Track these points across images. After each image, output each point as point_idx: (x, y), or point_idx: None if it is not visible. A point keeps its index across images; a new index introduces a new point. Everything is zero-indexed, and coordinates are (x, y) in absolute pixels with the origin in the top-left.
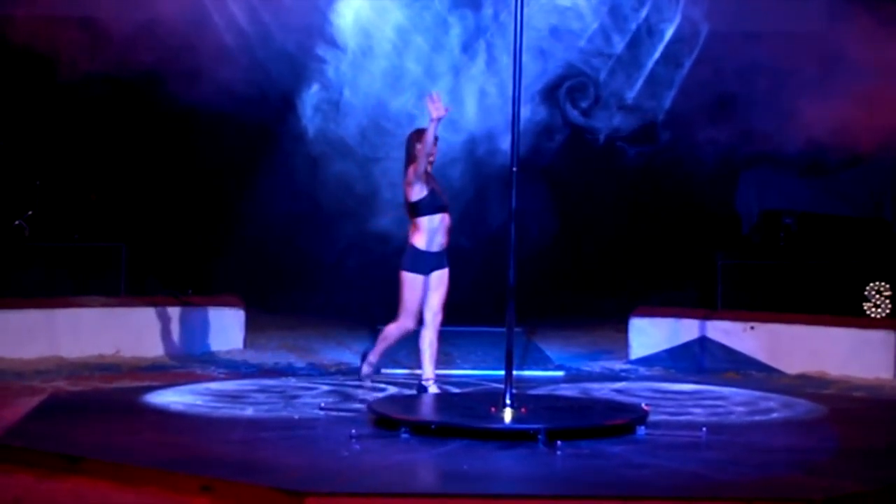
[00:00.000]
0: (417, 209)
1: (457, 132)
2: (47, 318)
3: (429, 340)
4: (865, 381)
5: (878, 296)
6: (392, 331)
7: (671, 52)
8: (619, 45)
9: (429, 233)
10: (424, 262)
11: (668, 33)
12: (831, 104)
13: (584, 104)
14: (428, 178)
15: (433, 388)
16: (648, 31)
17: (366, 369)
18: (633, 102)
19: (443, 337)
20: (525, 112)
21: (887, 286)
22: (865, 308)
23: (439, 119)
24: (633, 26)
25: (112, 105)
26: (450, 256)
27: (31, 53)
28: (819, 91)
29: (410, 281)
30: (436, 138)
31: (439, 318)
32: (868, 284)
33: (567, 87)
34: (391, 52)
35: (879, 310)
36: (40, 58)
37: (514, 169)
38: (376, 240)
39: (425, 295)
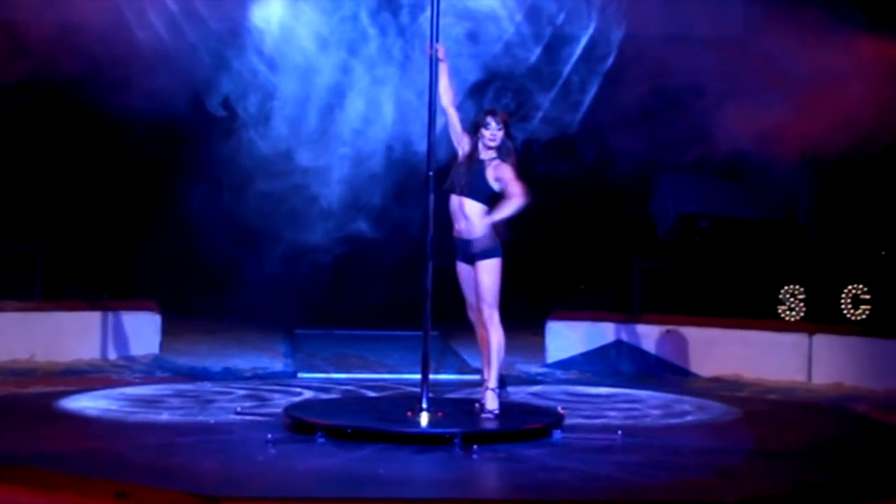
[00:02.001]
0: None
1: (375, 136)
2: None
3: (481, 339)
4: (779, 384)
5: (792, 299)
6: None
7: (588, 57)
8: (535, 51)
9: (451, 214)
10: (454, 248)
11: (584, 40)
12: (750, 110)
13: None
14: (462, 155)
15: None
16: (565, 38)
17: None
18: (550, 108)
19: (358, 341)
20: (443, 117)
21: (801, 289)
22: (780, 311)
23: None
24: (549, 32)
25: (26, 109)
26: (367, 255)
27: None
28: (738, 97)
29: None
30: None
31: (476, 315)
32: (782, 287)
33: (484, 92)
34: (310, 58)
35: (793, 313)
36: None
37: (431, 173)
38: (294, 245)
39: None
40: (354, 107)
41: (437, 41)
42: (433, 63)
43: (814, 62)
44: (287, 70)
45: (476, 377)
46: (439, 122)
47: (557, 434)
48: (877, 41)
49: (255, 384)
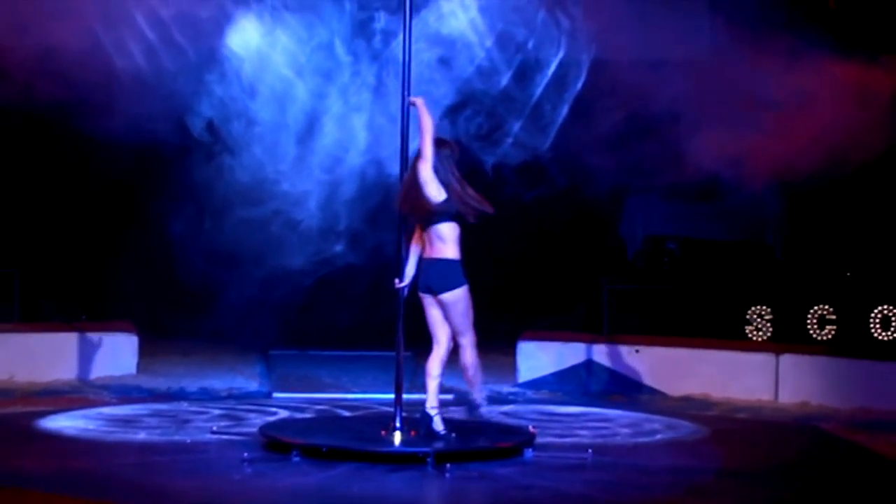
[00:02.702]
0: None
1: (351, 160)
2: None
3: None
4: (747, 403)
5: (759, 319)
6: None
7: (558, 83)
8: (506, 76)
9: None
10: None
11: (554, 65)
12: (720, 133)
13: (472, 133)
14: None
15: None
16: (535, 64)
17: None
18: (520, 133)
19: (332, 361)
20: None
21: (768, 309)
22: (747, 331)
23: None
24: (519, 59)
25: (4, 133)
26: (341, 277)
27: None
28: (708, 121)
29: None
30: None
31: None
32: (750, 308)
33: (457, 115)
34: (286, 84)
35: (760, 333)
36: None
37: None
38: (269, 268)
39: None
40: (330, 132)
41: (409, 65)
42: (405, 104)
43: (783, 86)
44: (264, 96)
45: (449, 397)
46: (411, 145)
47: (529, 453)
48: (844, 64)
49: (230, 404)
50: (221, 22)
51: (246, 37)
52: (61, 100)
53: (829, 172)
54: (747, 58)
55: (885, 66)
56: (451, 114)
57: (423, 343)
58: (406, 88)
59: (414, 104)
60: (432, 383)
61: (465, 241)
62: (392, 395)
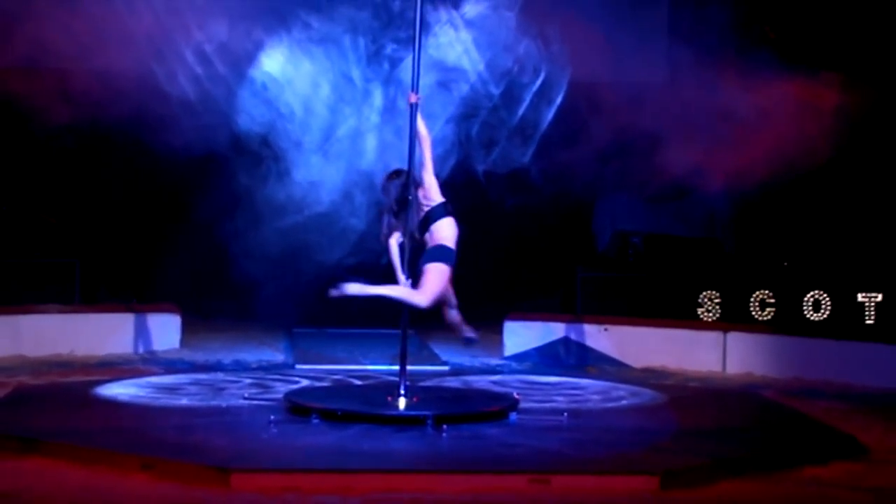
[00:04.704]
0: None
1: (360, 166)
2: (12, 322)
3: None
4: (699, 374)
5: (709, 302)
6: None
7: (540, 100)
8: (495, 95)
9: None
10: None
11: (535, 85)
12: (680, 145)
13: (466, 144)
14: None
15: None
16: (520, 85)
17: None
18: (506, 144)
19: (347, 338)
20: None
21: (717, 294)
22: (699, 312)
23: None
24: (506, 81)
25: (72, 149)
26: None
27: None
28: (669, 134)
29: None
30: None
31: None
32: (701, 292)
33: (452, 130)
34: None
35: (710, 314)
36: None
37: (410, 197)
38: (295, 261)
39: None
40: (350, 145)
41: (417, 86)
42: (412, 108)
43: (736, 102)
44: (291, 115)
45: (445, 368)
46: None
47: (513, 416)
48: (791, 82)
49: (260, 374)
50: (255, 52)
51: (275, 62)
52: (118, 116)
53: (776, 178)
54: (703, 78)
55: (826, 83)
56: (448, 128)
57: (425, 323)
58: (412, 108)
59: (414, 102)
60: (452, 316)
61: (462, 237)
62: (397, 367)
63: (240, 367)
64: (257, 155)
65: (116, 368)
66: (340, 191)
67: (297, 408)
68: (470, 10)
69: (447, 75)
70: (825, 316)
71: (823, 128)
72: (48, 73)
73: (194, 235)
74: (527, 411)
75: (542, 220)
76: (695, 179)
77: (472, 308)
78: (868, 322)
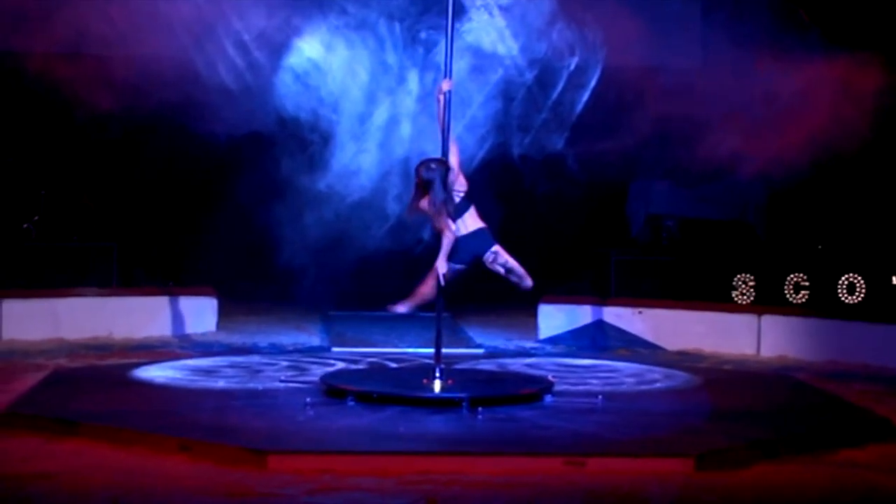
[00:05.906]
0: None
1: (394, 150)
2: (51, 305)
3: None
4: (733, 356)
5: (743, 285)
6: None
7: (574, 84)
8: (529, 78)
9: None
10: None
11: (571, 69)
12: (717, 130)
13: (502, 129)
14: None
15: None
16: (553, 69)
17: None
18: (542, 129)
19: (382, 321)
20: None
21: (751, 277)
22: (733, 295)
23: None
24: (539, 65)
25: (116, 137)
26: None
27: (41, 87)
28: (704, 118)
29: None
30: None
31: None
32: (735, 276)
33: (488, 115)
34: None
35: (744, 297)
36: (49, 91)
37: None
38: (331, 245)
39: None
40: (386, 129)
41: (450, 71)
42: (447, 95)
43: (770, 86)
44: (327, 100)
45: (480, 351)
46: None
47: (548, 398)
48: (830, 64)
49: (296, 357)
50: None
51: (313, 48)
52: (158, 102)
53: (813, 162)
54: (740, 62)
55: (865, 64)
56: (482, 111)
57: (459, 306)
58: (448, 95)
59: (445, 90)
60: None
61: (500, 225)
62: (432, 350)
63: (276, 350)
64: (296, 140)
65: (154, 351)
66: (377, 176)
67: (333, 390)
68: None
69: (480, 60)
70: (860, 299)
71: (863, 110)
72: (90, 59)
73: (231, 220)
74: (561, 394)
75: (575, 203)
76: (732, 164)
77: (506, 292)
78: None
